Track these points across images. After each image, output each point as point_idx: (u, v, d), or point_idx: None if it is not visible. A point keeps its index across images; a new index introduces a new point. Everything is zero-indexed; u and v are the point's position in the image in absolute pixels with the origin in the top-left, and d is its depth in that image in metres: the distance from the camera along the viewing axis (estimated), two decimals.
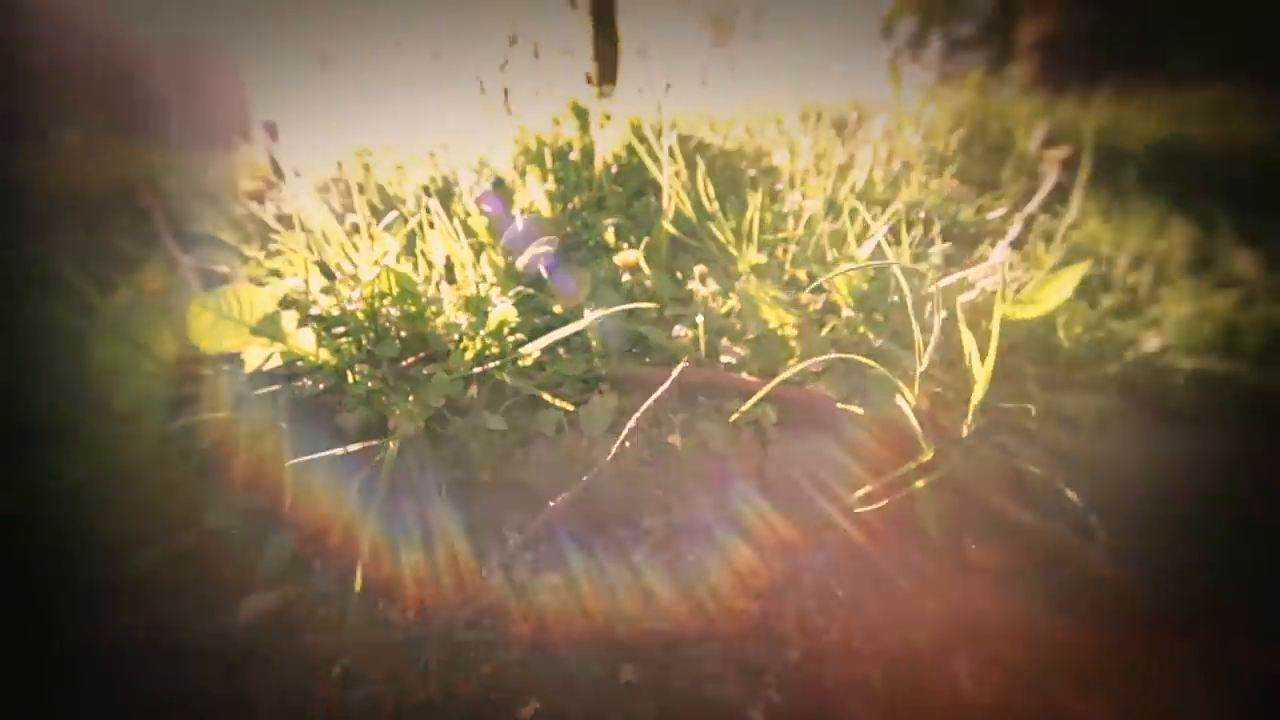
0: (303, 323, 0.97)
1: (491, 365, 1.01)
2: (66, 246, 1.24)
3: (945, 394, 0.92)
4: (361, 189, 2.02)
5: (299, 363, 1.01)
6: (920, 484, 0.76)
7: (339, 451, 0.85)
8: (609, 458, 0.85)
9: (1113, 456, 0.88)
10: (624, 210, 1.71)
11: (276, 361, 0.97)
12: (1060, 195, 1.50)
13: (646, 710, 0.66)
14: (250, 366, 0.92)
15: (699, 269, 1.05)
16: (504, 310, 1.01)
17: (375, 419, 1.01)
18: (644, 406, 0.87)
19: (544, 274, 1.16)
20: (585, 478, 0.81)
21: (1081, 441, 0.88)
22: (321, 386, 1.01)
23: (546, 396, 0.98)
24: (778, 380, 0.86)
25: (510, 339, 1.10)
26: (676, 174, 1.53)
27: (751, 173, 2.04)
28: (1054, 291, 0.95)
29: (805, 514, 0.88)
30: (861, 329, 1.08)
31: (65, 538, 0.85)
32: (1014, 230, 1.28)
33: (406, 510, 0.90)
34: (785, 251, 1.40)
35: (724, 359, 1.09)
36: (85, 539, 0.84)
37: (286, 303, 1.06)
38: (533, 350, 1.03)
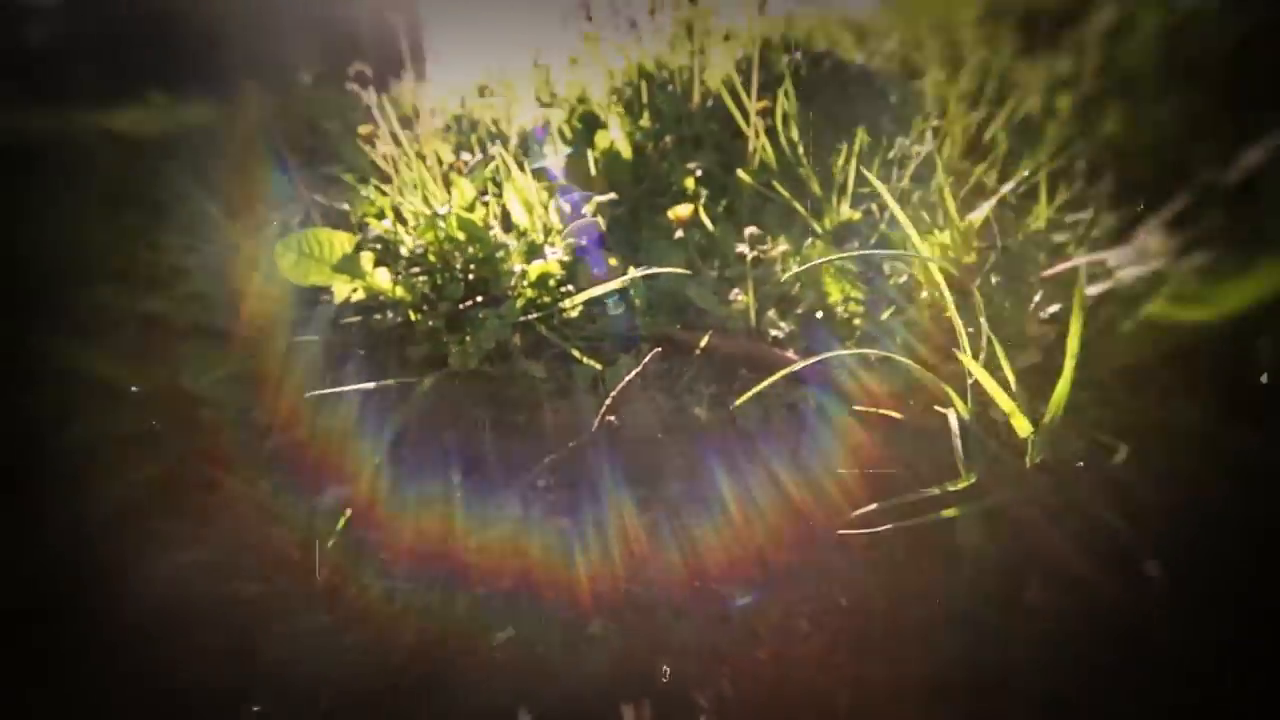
0: (379, 262, 1.09)
1: (533, 315, 1.05)
2: (211, 183, 1.51)
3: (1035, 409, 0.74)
4: (475, 127, 2.14)
5: (380, 297, 1.14)
6: (951, 511, 0.65)
7: (391, 382, 0.97)
8: (594, 426, 0.85)
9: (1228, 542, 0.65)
10: (723, 149, 1.57)
11: (363, 295, 1.11)
12: None
13: (599, 662, 0.69)
14: (338, 298, 1.07)
15: (749, 230, 0.94)
16: (543, 263, 1.02)
17: (438, 354, 1.12)
18: (629, 376, 0.84)
19: (583, 245, 1.15)
20: (571, 443, 0.83)
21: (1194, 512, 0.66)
22: (398, 320, 1.14)
23: (575, 353, 1.00)
24: (808, 361, 0.77)
25: (561, 291, 1.12)
26: (769, 112, 1.36)
27: (892, 99, 1.73)
28: (1244, 290, 0.69)
29: (817, 513, 0.81)
30: (946, 314, 0.90)
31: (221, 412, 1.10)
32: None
33: (446, 439, 1.01)
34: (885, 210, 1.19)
35: (773, 333, 0.99)
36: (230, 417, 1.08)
37: (366, 243, 1.20)
38: (574, 304, 1.04)
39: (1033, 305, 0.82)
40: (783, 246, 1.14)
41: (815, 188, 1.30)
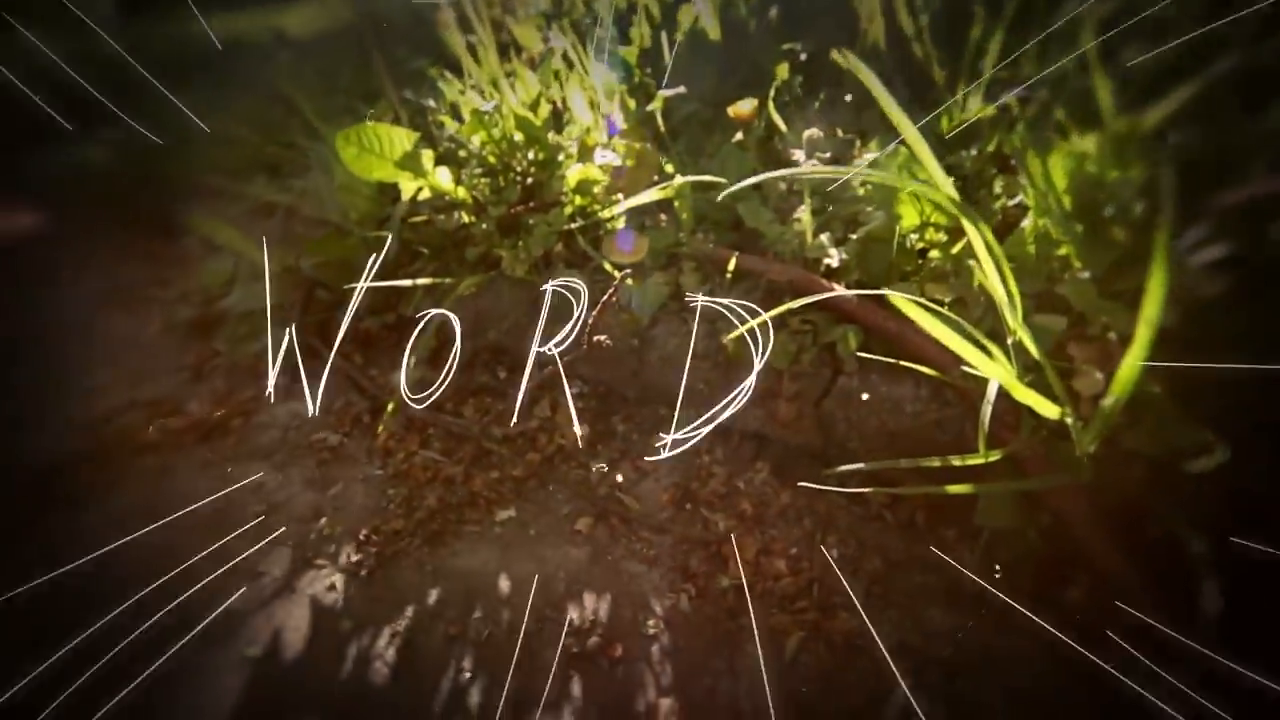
0: (443, 161, 1.12)
1: (575, 225, 1.03)
2: (303, 85, 1.61)
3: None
4: (565, 14, 1.99)
5: (446, 197, 1.19)
6: (961, 488, 0.56)
7: (447, 280, 1.04)
8: (582, 342, 0.83)
9: None
10: (842, 26, 1.30)
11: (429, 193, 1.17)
12: None
13: (580, 560, 0.75)
14: (405, 195, 1.13)
15: (808, 132, 0.79)
16: (581, 168, 0.98)
17: (495, 256, 1.16)
18: (608, 295, 0.79)
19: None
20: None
21: None
22: (465, 221, 1.19)
23: (607, 266, 0.97)
24: (834, 294, 0.66)
25: (607, 199, 1.08)
26: None
27: None
28: None
29: (823, 464, 0.75)
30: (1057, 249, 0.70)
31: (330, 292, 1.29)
32: None
33: (486, 339, 1.09)
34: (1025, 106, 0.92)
35: (826, 261, 0.87)
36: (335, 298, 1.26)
37: (440, 141, 1.22)
38: (613, 215, 0.99)
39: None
40: (870, 155, 0.95)
41: (936, 75, 1.03)
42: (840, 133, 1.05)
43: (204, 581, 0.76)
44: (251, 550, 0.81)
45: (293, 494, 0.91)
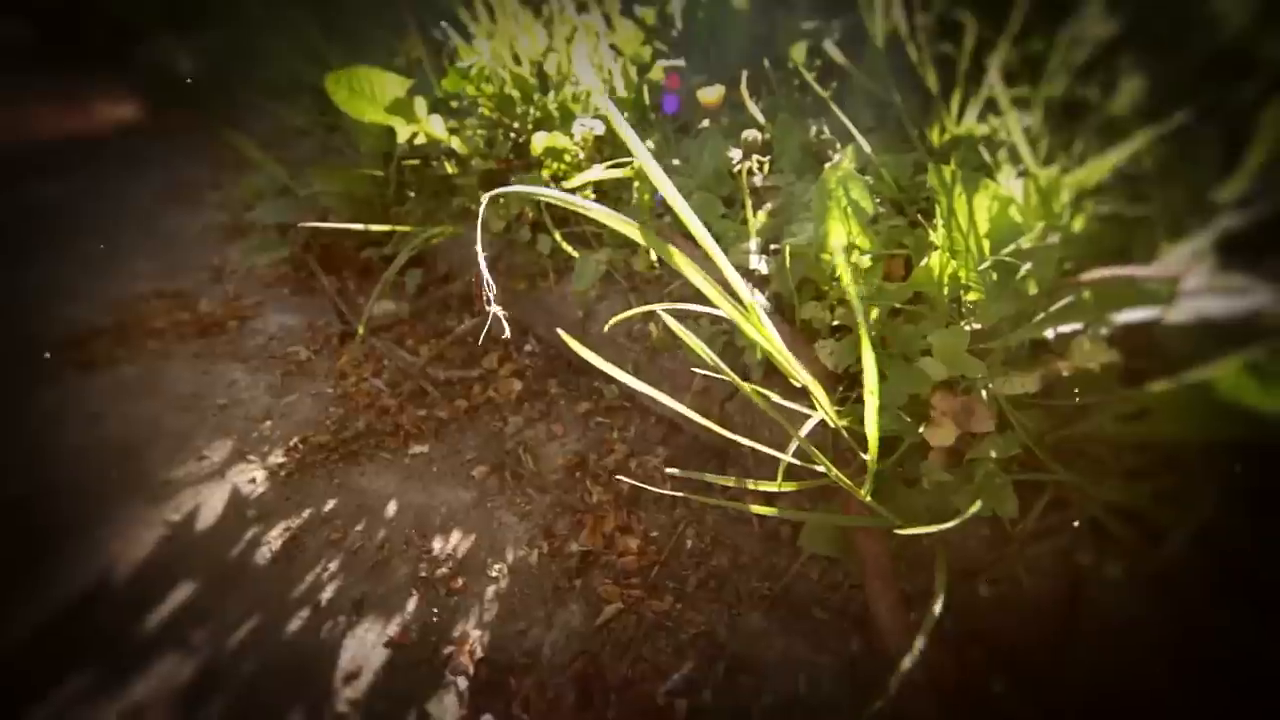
0: (439, 109, 1.17)
1: (544, 191, 1.06)
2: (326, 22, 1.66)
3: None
4: None
5: (441, 145, 1.24)
6: (765, 510, 0.57)
7: (436, 231, 1.10)
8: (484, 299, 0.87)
9: None
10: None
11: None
12: None
13: (464, 501, 0.83)
14: (401, 139, 1.20)
15: (746, 133, 0.77)
16: (548, 136, 0.99)
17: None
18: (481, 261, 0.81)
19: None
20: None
21: None
22: (449, 171, 1.25)
23: (556, 236, 1.00)
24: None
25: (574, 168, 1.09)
26: None
27: None
28: None
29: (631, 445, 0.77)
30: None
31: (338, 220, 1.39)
32: None
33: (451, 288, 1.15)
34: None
35: (753, 268, 0.86)
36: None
37: (441, 90, 1.26)
38: (575, 185, 1.01)
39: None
40: (846, 162, 0.91)
41: (930, 81, 0.96)
42: (822, 133, 1.01)
43: (157, 451, 0.90)
44: (203, 435, 0.94)
45: (255, 395, 1.04)
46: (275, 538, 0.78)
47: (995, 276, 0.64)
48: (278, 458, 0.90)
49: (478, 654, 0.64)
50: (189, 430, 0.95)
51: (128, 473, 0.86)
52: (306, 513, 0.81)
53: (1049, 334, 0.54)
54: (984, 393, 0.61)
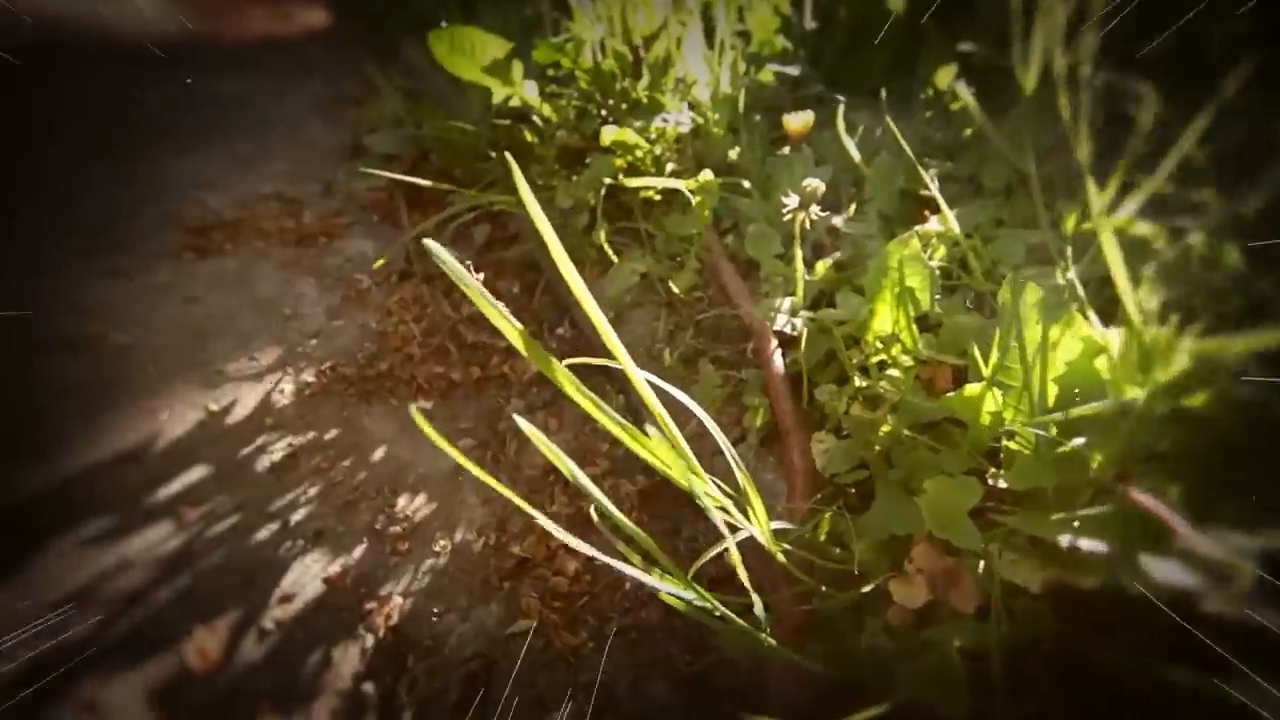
0: (529, 75, 1.17)
1: (608, 182, 1.03)
2: None
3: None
4: None
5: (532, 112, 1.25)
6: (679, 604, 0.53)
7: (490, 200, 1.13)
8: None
9: None
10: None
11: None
12: None
13: (441, 469, 0.87)
14: (496, 98, 1.21)
15: (807, 181, 0.67)
16: (616, 130, 0.95)
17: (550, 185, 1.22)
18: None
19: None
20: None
21: None
22: (529, 140, 1.25)
23: (603, 234, 0.98)
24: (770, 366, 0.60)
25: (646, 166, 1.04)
26: None
27: None
28: None
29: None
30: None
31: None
32: None
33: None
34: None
35: (779, 327, 0.77)
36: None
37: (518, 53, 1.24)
38: (636, 185, 0.97)
39: None
40: (915, 241, 0.78)
41: (1081, 154, 0.78)
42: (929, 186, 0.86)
43: (222, 343, 1.04)
44: (263, 338, 1.07)
45: (315, 313, 1.15)
46: (279, 449, 0.87)
47: (1053, 432, 0.52)
48: (308, 376, 1.00)
49: (392, 620, 0.69)
50: (254, 330, 1.08)
51: (194, 356, 1.00)
52: (310, 435, 0.90)
53: (1062, 541, 0.43)
54: (980, 565, 0.51)
